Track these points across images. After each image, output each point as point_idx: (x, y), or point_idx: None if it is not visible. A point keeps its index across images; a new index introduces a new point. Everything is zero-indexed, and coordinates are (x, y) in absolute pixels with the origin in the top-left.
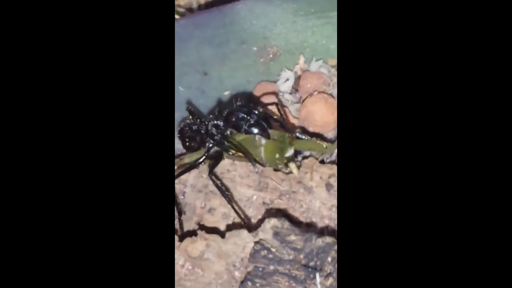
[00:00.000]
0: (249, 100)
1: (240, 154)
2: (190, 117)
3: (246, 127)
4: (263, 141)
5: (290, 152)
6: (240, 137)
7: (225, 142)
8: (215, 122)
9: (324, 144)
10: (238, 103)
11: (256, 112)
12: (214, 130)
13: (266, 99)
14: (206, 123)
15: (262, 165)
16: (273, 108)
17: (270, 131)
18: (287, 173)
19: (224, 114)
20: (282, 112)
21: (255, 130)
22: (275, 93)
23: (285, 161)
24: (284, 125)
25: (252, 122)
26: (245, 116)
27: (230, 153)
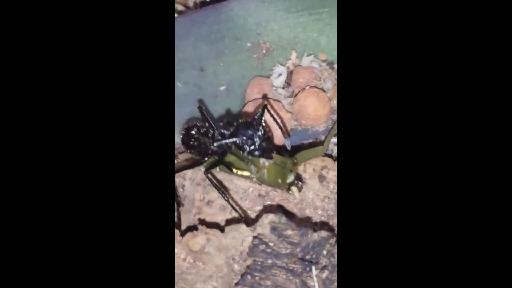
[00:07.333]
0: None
1: (243, 173)
2: (199, 120)
3: (249, 150)
4: (267, 163)
5: (291, 179)
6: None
7: (226, 154)
8: (223, 131)
9: (321, 148)
10: (241, 121)
11: (260, 133)
12: (219, 138)
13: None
14: (214, 128)
15: (266, 184)
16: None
17: (273, 155)
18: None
19: (231, 128)
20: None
21: (258, 154)
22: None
23: (287, 186)
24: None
25: (256, 145)
26: (249, 140)
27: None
